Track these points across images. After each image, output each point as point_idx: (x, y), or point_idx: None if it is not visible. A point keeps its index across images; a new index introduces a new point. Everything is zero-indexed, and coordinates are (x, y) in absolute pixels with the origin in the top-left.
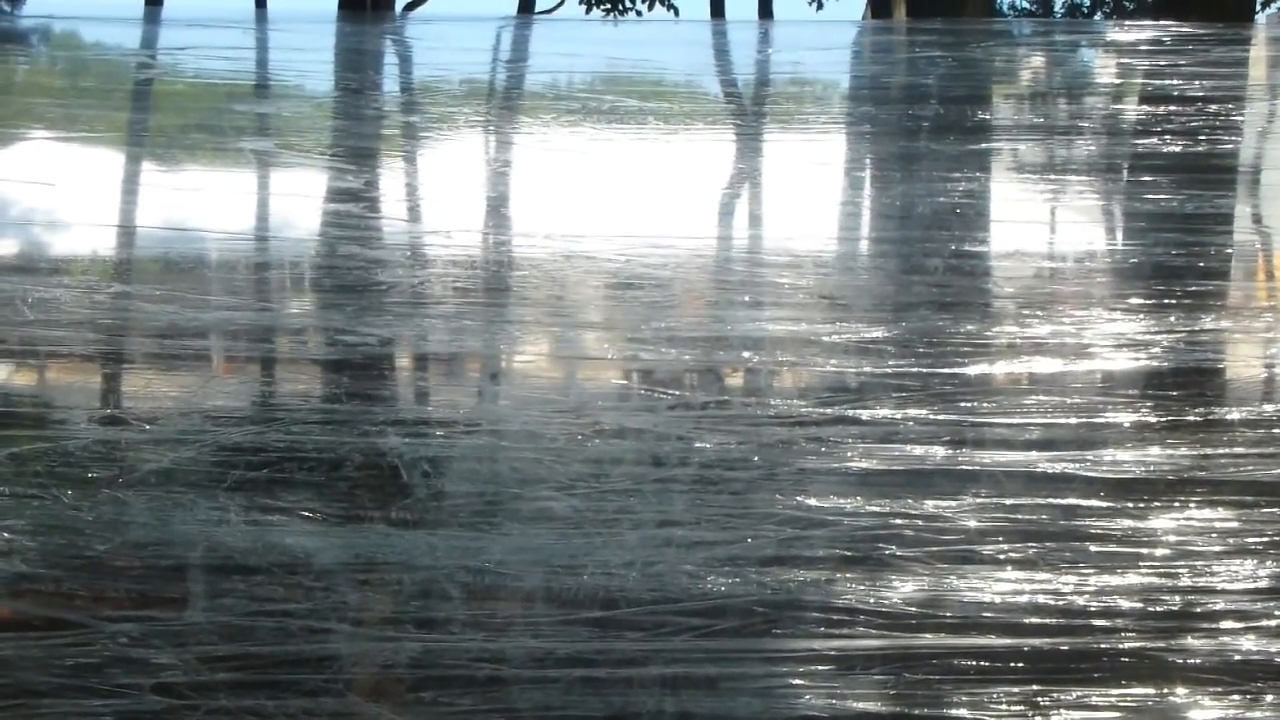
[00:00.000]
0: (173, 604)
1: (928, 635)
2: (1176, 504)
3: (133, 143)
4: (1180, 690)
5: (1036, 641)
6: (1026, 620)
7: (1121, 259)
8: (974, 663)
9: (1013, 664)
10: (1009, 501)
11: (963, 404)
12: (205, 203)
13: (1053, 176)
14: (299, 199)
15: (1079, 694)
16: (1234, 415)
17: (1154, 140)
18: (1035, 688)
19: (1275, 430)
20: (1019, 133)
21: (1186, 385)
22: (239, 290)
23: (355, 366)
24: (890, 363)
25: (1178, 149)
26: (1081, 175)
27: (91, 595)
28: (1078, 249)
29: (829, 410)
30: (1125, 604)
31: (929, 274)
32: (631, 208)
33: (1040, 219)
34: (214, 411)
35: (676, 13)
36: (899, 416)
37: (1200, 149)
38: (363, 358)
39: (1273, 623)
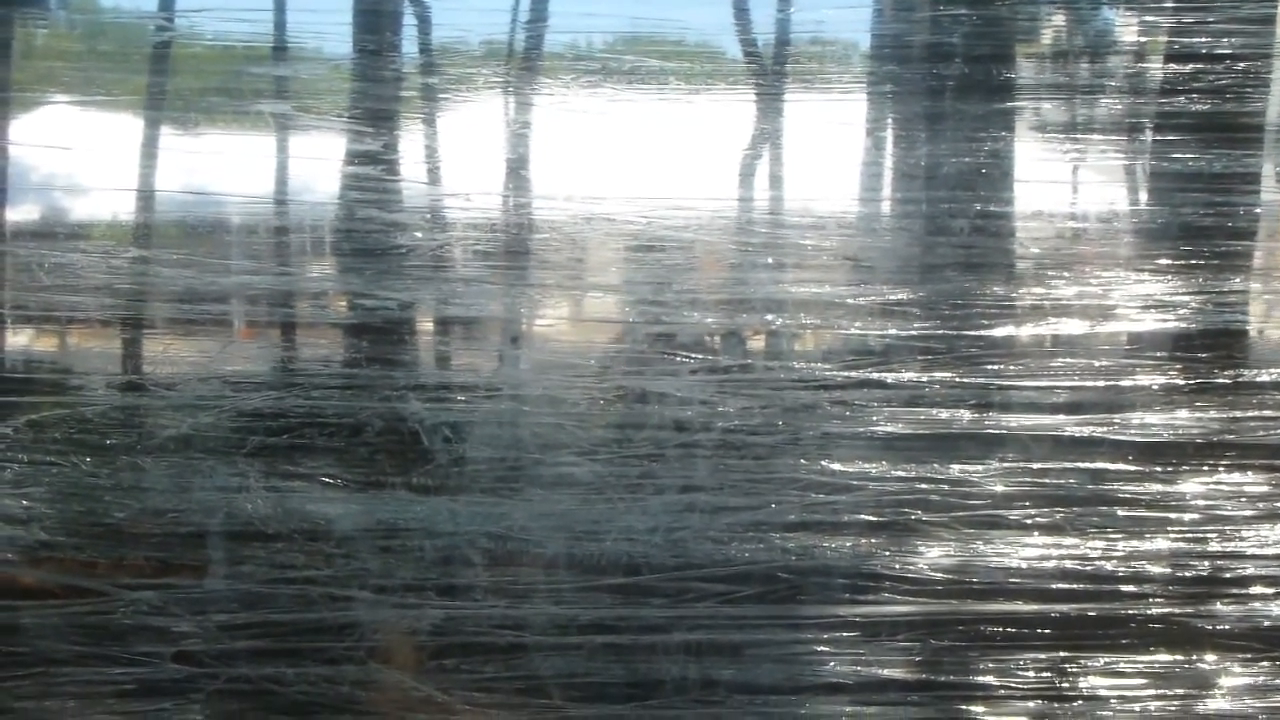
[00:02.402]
0: (192, 571)
1: (954, 601)
2: (1205, 468)
3: (151, 106)
4: (1209, 657)
5: (1064, 607)
6: (1054, 586)
7: (1148, 219)
8: (1001, 629)
9: (1040, 630)
10: (1036, 466)
11: (989, 367)
12: (224, 166)
13: (1078, 136)
14: (317, 162)
15: (1106, 660)
16: (1264, 377)
17: (1180, 99)
18: (1062, 654)
19: None
20: (1043, 92)
21: (1215, 347)
22: (257, 254)
23: (375, 331)
24: (915, 325)
25: (1205, 107)
26: (1107, 135)
27: (111, 563)
28: (1103, 209)
29: (853, 373)
30: (1153, 569)
31: (954, 235)
32: (652, 169)
33: (1065, 179)
34: (233, 376)
35: None
36: (924, 379)
37: (1228, 107)
38: (382, 322)
39: None
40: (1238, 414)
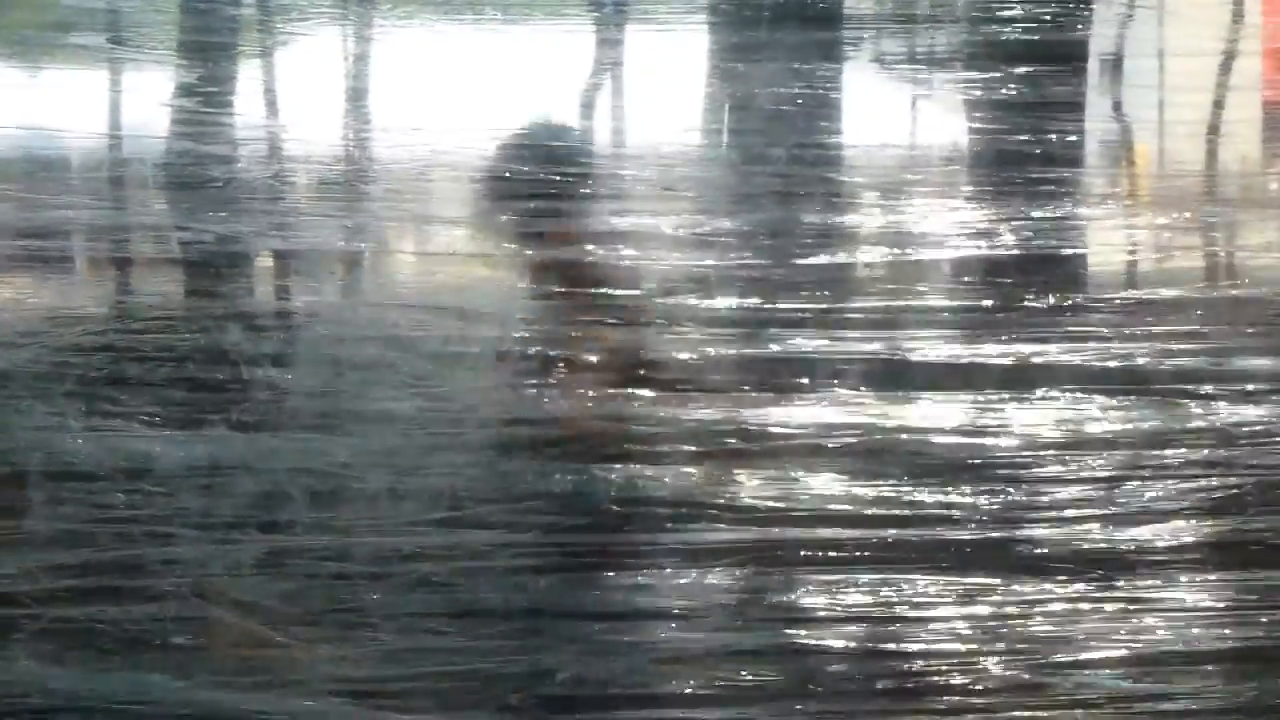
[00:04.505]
0: (11, 513)
1: (775, 529)
2: (1021, 394)
3: None
4: (1027, 580)
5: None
6: (871, 512)
7: (966, 148)
8: (821, 553)
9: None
10: (856, 394)
11: (805, 295)
12: (50, 101)
13: (899, 66)
14: (141, 96)
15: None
16: (1080, 302)
17: (1001, 26)
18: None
19: (1125, 318)
20: (867, 21)
21: (1029, 272)
22: (75, 190)
23: (193, 264)
24: (733, 255)
25: (1026, 35)
26: (924, 64)
27: None
28: (921, 139)
29: (673, 303)
30: (971, 497)
31: (771, 165)
32: (488, 102)
33: (885, 109)
34: (50, 312)
35: None
36: (745, 308)
37: (1053, 35)
38: (199, 255)
39: (1119, 511)
40: (1054, 340)
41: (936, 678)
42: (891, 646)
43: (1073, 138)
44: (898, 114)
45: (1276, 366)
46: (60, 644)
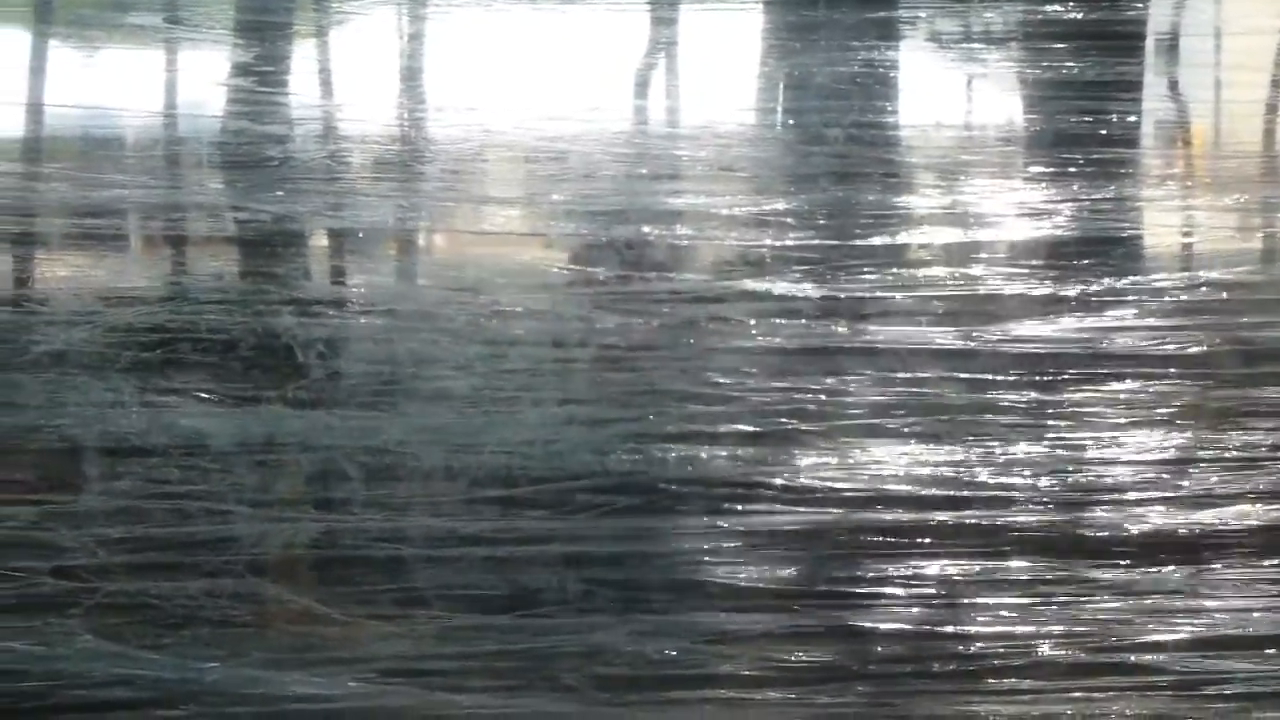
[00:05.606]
0: (68, 488)
1: (833, 509)
2: (1083, 376)
3: (40, 19)
4: (1085, 564)
5: (943, 515)
6: (932, 493)
7: (1024, 128)
8: (879, 537)
9: (919, 538)
10: (912, 375)
11: (865, 277)
12: (107, 80)
13: (954, 45)
14: (199, 75)
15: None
16: (1142, 285)
17: (1058, 5)
18: (943, 562)
19: (1183, 300)
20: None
21: (1091, 254)
22: (131, 169)
23: (248, 244)
24: (791, 236)
25: (1083, 14)
26: (980, 43)
27: None
28: (976, 118)
29: (729, 285)
30: (1031, 477)
31: (829, 144)
32: (544, 82)
33: (940, 88)
34: (105, 292)
35: None
36: (801, 290)
37: (1110, 14)
38: (255, 234)
39: (1178, 494)
40: (1115, 323)
41: (995, 660)
42: (949, 629)
43: (1130, 118)
44: (954, 93)
45: None
46: (117, 619)
